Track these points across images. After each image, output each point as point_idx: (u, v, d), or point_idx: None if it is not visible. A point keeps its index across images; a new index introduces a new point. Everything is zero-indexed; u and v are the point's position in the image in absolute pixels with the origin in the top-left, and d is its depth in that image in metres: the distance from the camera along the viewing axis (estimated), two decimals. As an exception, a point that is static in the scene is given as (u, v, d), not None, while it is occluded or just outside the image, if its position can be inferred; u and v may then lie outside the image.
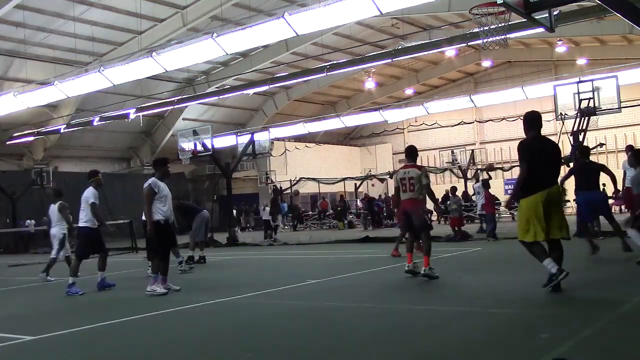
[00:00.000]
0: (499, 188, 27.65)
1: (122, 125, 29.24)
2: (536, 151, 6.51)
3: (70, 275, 9.06)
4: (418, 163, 8.82)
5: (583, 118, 14.82)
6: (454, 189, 15.66)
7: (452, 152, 34.02)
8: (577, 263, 9.86)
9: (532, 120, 6.68)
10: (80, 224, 9.23)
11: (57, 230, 11.19)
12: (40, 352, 5.41)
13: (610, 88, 15.26)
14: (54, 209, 11.24)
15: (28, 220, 25.97)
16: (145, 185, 8.33)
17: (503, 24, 9.55)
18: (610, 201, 25.47)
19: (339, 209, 27.94)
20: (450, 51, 29.16)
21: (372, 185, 33.84)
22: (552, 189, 6.41)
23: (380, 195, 29.91)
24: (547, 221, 6.32)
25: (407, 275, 8.37)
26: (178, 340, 5.42)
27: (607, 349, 4.30)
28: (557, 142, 6.99)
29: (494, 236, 14.35)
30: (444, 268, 9.62)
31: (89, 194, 9.25)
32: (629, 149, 13.69)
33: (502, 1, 8.14)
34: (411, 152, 8.77)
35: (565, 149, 21.27)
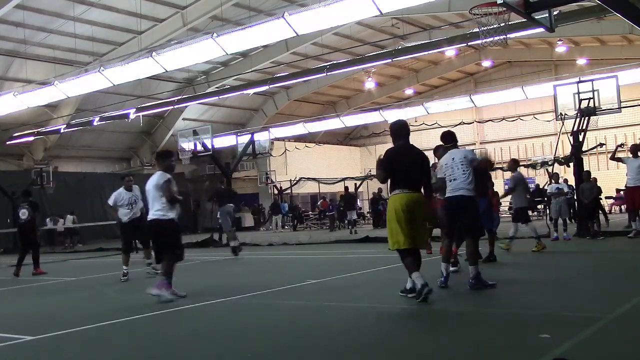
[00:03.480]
0: (499, 188, 27.62)
1: (122, 125, 29.26)
2: (397, 158, 6.57)
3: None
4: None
5: (583, 118, 14.81)
6: None
7: (452, 152, 33.93)
8: (577, 263, 9.90)
9: (395, 131, 6.75)
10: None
11: None
12: (40, 352, 5.41)
13: (610, 88, 15.24)
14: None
15: (57, 217, 26.36)
16: (163, 180, 7.67)
17: (503, 24, 9.55)
18: (610, 201, 25.39)
19: (340, 209, 27.90)
20: (450, 51, 29.14)
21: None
22: (411, 194, 6.42)
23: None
24: (411, 229, 6.31)
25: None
26: (178, 340, 5.41)
27: (607, 349, 4.30)
28: (421, 152, 6.83)
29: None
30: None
31: None
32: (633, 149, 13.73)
33: (502, 1, 8.14)
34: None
35: (566, 149, 21.37)
